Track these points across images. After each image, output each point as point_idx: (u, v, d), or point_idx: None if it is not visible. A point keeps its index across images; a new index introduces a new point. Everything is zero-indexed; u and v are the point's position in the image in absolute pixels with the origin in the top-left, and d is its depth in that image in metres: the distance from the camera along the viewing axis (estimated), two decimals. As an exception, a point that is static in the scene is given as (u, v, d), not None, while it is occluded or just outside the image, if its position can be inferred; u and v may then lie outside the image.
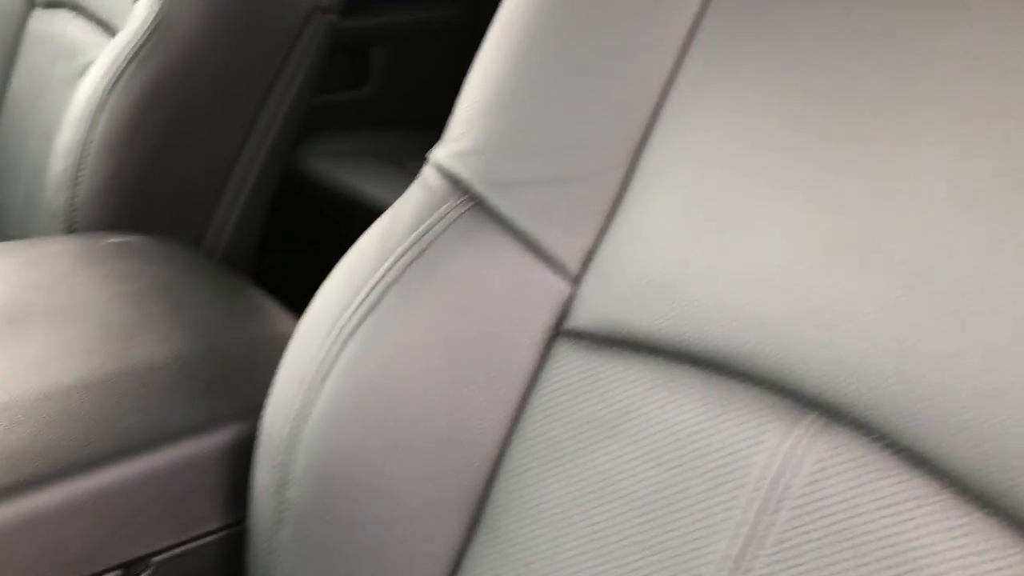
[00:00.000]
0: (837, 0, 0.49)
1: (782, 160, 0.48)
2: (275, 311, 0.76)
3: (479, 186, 0.57)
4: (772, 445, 0.46)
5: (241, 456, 0.62)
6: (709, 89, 0.52)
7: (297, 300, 0.68)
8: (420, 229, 0.57)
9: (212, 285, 0.80)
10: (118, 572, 0.60)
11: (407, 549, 0.56)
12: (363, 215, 0.64)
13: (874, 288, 0.44)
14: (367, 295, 0.57)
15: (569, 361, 0.54)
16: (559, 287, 0.55)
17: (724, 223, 0.50)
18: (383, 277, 0.57)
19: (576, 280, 0.55)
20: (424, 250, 0.56)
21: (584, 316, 0.54)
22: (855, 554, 0.43)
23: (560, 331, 0.55)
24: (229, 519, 0.63)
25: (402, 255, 0.57)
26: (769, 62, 0.50)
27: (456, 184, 0.57)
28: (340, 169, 1.49)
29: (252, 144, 1.09)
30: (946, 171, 0.43)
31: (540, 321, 0.56)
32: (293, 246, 1.57)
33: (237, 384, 0.66)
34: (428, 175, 0.59)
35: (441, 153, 0.59)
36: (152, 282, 0.77)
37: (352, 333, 0.56)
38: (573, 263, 0.55)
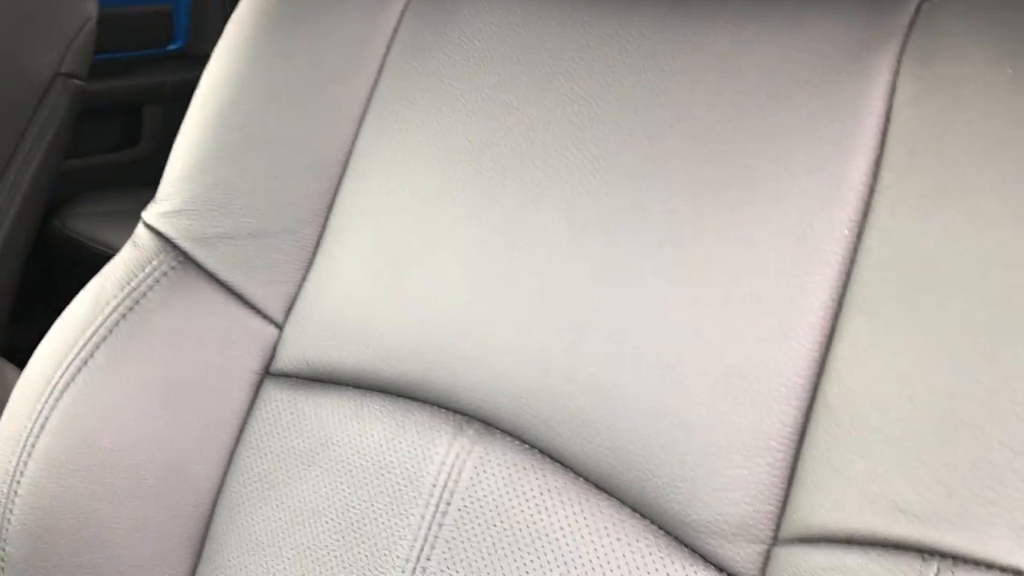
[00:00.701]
0: (487, 72, 0.57)
1: (440, 208, 0.56)
2: (11, 375, 0.77)
3: (184, 243, 0.61)
4: (440, 456, 0.52)
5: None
6: (383, 148, 0.59)
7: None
8: (130, 286, 0.61)
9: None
10: None
11: (132, 593, 0.59)
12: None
13: (511, 314, 0.51)
14: (79, 352, 0.60)
15: (276, 400, 0.59)
16: (266, 333, 0.60)
17: (398, 266, 0.56)
18: (94, 334, 0.60)
19: (281, 326, 0.60)
20: (133, 307, 0.60)
21: (288, 358, 0.60)
22: (510, 542, 0.49)
23: (268, 373, 0.60)
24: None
25: (112, 312, 0.60)
26: (427, 123, 0.58)
27: (164, 242, 0.62)
28: (105, 229, 1.49)
29: (-4, 211, 1.08)
30: (561, 211, 0.51)
31: (249, 365, 0.60)
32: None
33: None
34: (139, 234, 0.63)
35: (150, 213, 0.63)
36: None
37: (65, 389, 0.59)
38: (277, 310, 0.60)
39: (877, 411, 0.41)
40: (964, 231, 0.41)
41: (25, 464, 0.58)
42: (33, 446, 0.58)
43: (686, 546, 0.46)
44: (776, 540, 0.44)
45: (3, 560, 0.59)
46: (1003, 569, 0.36)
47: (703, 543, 0.45)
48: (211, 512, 0.60)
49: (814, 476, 0.43)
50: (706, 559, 0.45)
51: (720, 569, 0.45)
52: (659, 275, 0.48)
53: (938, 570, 0.37)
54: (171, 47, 1.70)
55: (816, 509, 0.42)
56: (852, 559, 0.40)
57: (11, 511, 0.58)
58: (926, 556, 0.38)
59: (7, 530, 0.58)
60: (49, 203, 1.34)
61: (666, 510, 0.46)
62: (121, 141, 1.69)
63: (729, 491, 0.45)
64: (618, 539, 0.47)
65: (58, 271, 1.54)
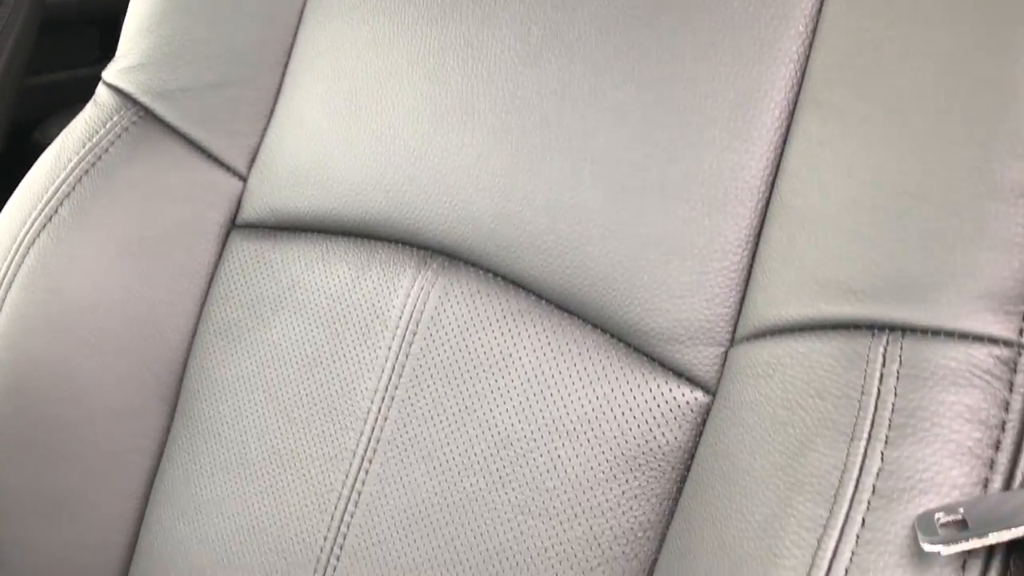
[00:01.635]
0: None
1: (397, 44, 0.55)
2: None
3: (143, 97, 0.60)
4: (404, 291, 0.52)
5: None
6: (339, -12, 0.58)
7: None
8: (91, 142, 0.60)
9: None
10: None
11: (112, 446, 0.59)
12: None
13: (470, 142, 0.51)
14: (42, 209, 0.59)
15: (242, 251, 0.59)
16: (230, 185, 0.60)
17: (356, 105, 0.55)
18: (57, 190, 0.59)
19: (245, 177, 0.60)
20: (95, 162, 0.60)
21: (253, 209, 0.59)
22: (474, 365, 0.50)
23: (234, 225, 0.60)
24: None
25: (74, 168, 0.60)
26: None
27: (124, 98, 0.61)
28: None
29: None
30: (517, 30, 0.50)
31: (215, 218, 0.60)
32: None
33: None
34: (99, 93, 0.62)
35: (109, 71, 0.62)
36: None
37: (31, 245, 0.59)
38: (241, 162, 0.60)
39: (829, 200, 0.41)
40: (911, 27, 0.41)
41: (-6, 319, 0.58)
42: (2, 301, 0.58)
43: (646, 355, 0.46)
44: (733, 341, 0.44)
45: (-20, 416, 0.59)
46: (949, 334, 0.36)
47: (663, 350, 0.45)
48: (183, 365, 0.60)
49: (769, 273, 0.43)
50: (666, 365, 0.45)
51: (679, 374, 0.45)
52: (617, 88, 0.47)
53: (887, 342, 0.37)
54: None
55: (770, 304, 0.42)
56: (803, 344, 0.40)
57: (-14, 365, 0.58)
58: (876, 331, 0.38)
59: (-15, 385, 0.59)
60: (30, 118, 1.33)
61: (626, 321, 0.46)
62: (101, 55, 1.67)
63: (687, 297, 0.45)
64: (579, 354, 0.47)
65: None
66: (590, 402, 0.46)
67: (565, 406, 0.47)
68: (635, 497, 0.45)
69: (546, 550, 0.46)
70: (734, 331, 0.44)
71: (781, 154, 0.44)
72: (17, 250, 0.59)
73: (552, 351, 0.48)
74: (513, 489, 0.47)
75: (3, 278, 0.59)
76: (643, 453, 0.45)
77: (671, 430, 0.45)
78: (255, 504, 0.54)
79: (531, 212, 0.49)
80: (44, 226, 0.59)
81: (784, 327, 0.41)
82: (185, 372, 0.60)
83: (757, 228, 0.44)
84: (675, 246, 0.45)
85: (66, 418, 0.59)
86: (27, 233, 0.59)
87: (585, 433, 0.46)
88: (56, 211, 0.59)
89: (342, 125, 0.56)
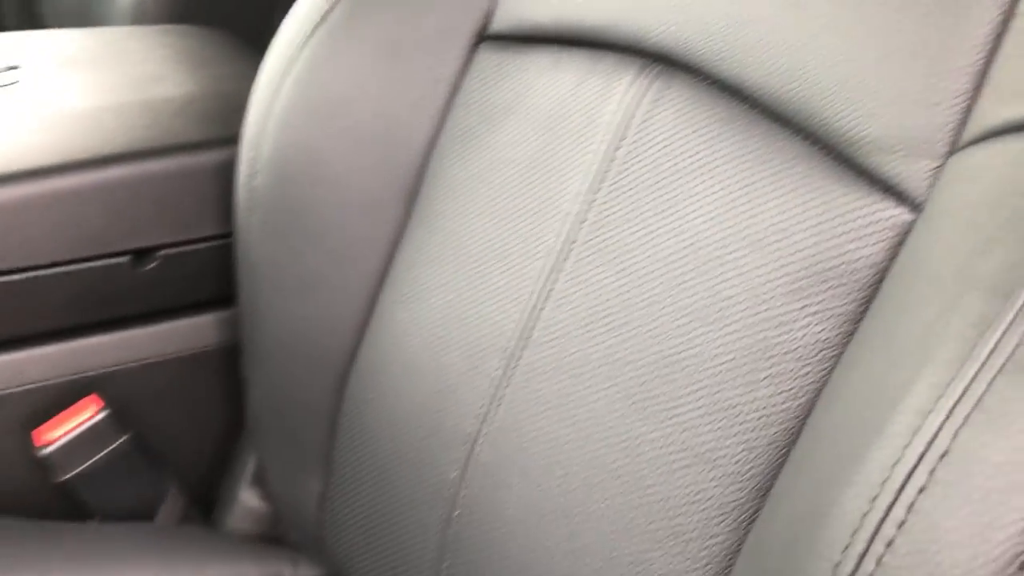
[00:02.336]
0: None
1: None
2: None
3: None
4: (619, 96, 0.52)
5: (232, 175, 0.72)
6: None
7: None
8: None
9: (245, 62, 0.89)
10: (128, 257, 0.71)
11: (356, 233, 0.65)
12: None
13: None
14: (319, 11, 0.64)
15: (487, 61, 0.61)
16: None
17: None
18: None
19: (499, -10, 0.62)
20: None
21: (501, 20, 0.61)
22: (675, 170, 0.48)
23: (483, 37, 0.62)
24: (222, 229, 0.74)
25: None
26: None
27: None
28: None
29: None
30: None
31: (467, 29, 0.62)
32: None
33: (235, 120, 0.75)
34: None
35: None
36: (190, 54, 0.87)
37: (305, 44, 0.64)
38: None
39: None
40: None
41: (274, 105, 0.65)
42: (279, 89, 0.65)
43: (855, 167, 0.42)
44: (951, 152, 0.39)
45: (255, 190, 0.66)
46: None
47: (873, 161, 0.41)
48: (423, 166, 0.63)
49: (1006, 74, 0.38)
50: (873, 179, 0.42)
51: (887, 188, 0.41)
52: None
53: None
54: None
55: (999, 105, 0.37)
56: (1021, 141, 0.35)
57: (263, 146, 0.65)
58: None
59: (260, 162, 0.66)
60: None
61: (839, 129, 0.43)
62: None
63: (911, 103, 0.41)
64: (782, 163, 0.45)
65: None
66: (785, 212, 0.44)
67: (759, 214, 0.44)
68: (815, 314, 0.42)
69: (715, 358, 0.44)
70: (954, 142, 0.39)
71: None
72: (298, 44, 0.65)
73: (755, 158, 0.46)
74: (693, 295, 0.46)
75: (283, 71, 0.65)
76: (832, 268, 0.42)
77: (867, 247, 0.41)
78: (462, 293, 0.57)
79: (760, 10, 0.46)
80: (318, 26, 0.64)
81: (1005, 128, 0.36)
82: (424, 172, 0.63)
83: (1000, 28, 0.39)
84: (904, 44, 0.41)
85: (320, 202, 0.65)
86: (306, 32, 0.65)
87: (775, 244, 0.44)
88: (331, 12, 0.64)
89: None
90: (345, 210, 0.65)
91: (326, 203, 0.65)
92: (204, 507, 0.77)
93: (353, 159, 0.64)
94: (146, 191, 0.71)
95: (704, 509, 0.43)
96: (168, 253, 0.73)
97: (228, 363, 0.77)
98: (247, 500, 0.75)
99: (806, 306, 0.42)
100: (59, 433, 0.69)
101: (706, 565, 0.43)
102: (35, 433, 0.70)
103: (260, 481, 0.75)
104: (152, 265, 0.73)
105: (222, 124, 0.75)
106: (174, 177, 0.72)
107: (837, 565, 0.33)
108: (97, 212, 0.69)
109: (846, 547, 0.33)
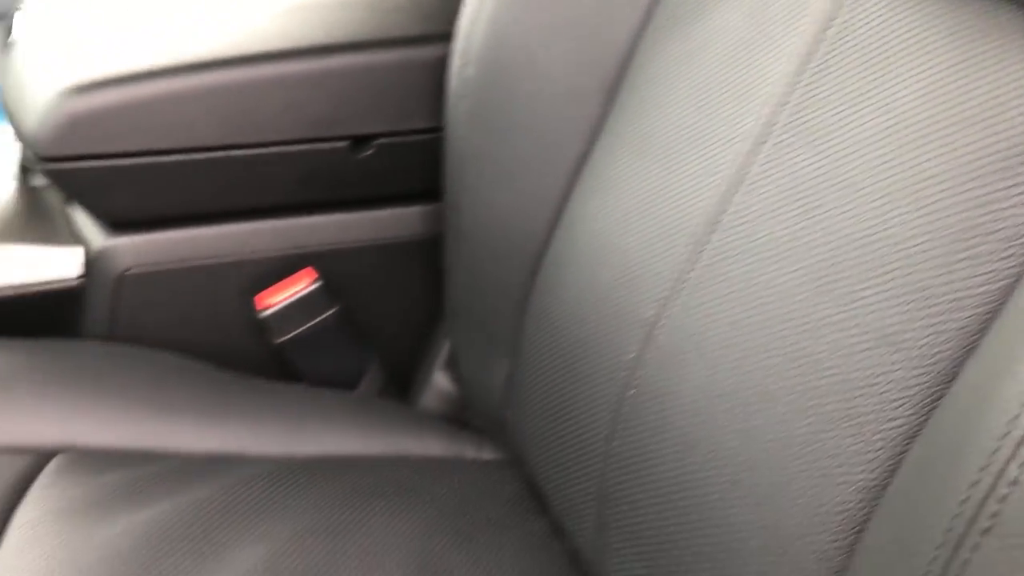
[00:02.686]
0: None
1: None
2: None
3: None
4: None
5: (445, 71, 0.75)
6: None
7: None
8: None
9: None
10: (347, 143, 0.76)
11: (559, 124, 0.66)
12: None
13: None
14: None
15: None
16: None
17: None
18: None
19: None
20: None
21: None
22: (883, 48, 0.46)
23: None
24: (434, 123, 0.77)
25: None
26: None
27: None
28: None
29: None
30: None
31: None
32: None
33: (451, 18, 0.78)
34: None
35: None
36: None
37: None
38: None
39: None
40: None
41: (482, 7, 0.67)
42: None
43: None
44: None
45: (465, 80, 0.69)
46: None
47: None
48: (625, 61, 0.63)
49: None
50: None
51: None
52: None
53: None
54: None
55: None
56: None
57: (474, 39, 0.67)
58: None
59: (471, 53, 0.68)
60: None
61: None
62: None
63: None
64: (1001, 37, 0.42)
65: None
66: (1001, 88, 0.41)
67: (973, 91, 0.42)
68: (1021, 193, 0.39)
69: (910, 239, 0.42)
70: None
71: None
72: None
73: (973, 34, 0.43)
74: (893, 175, 0.44)
75: None
76: (1048, 146, 0.39)
77: (1089, 124, 0.38)
78: (653, 181, 0.57)
79: None
80: None
81: None
82: (628, 62, 0.63)
83: None
84: None
85: (526, 93, 0.66)
86: None
87: (987, 120, 0.41)
88: None
89: None
90: (549, 100, 0.66)
91: (531, 94, 0.66)
92: (401, 385, 0.81)
93: (560, 53, 0.65)
94: (366, 80, 0.75)
95: (883, 392, 0.42)
96: (383, 142, 0.77)
97: (431, 254, 0.80)
98: (439, 382, 0.79)
99: (1014, 185, 0.40)
100: (278, 299, 0.75)
101: (879, 449, 0.41)
102: (257, 298, 0.76)
103: (453, 366, 0.79)
104: (368, 152, 0.77)
105: (439, 20, 0.78)
106: (393, 69, 0.75)
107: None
108: (320, 97, 0.74)
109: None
